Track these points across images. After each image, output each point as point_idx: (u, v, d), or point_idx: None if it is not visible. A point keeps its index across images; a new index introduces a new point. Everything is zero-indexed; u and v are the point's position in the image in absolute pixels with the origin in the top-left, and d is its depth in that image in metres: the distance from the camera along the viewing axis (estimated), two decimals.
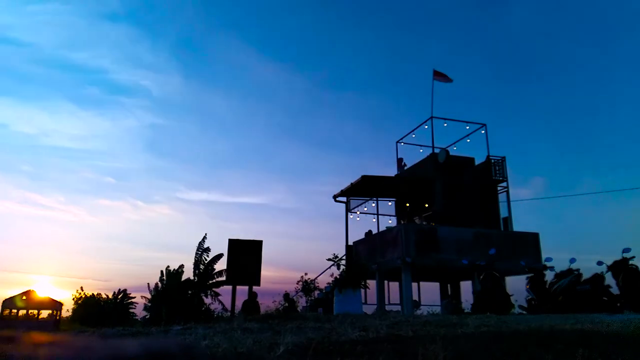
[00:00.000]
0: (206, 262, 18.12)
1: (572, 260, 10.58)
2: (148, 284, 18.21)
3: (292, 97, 46.71)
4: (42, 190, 44.16)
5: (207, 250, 18.13)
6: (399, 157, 19.70)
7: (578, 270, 10.38)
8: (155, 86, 44.04)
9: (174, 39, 44.34)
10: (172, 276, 17.62)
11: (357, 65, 48.50)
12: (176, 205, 46.90)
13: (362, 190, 18.08)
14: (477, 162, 17.75)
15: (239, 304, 14.13)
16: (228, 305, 16.86)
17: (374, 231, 18.12)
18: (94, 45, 41.45)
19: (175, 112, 46.72)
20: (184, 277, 17.99)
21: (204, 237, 18.29)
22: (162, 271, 17.86)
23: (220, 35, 44.17)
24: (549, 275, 10.90)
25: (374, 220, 19.97)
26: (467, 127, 18.17)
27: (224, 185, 49.08)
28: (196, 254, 18.18)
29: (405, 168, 19.31)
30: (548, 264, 11.14)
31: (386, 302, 16.67)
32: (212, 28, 44.17)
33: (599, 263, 10.04)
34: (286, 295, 15.96)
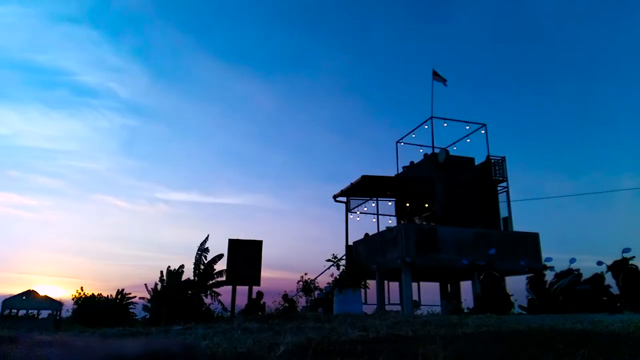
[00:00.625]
0: (206, 262, 18.13)
1: (572, 260, 10.57)
2: (146, 284, 18.19)
3: (277, 101, 46.85)
4: (25, 192, 44.17)
5: (207, 250, 18.13)
6: (403, 159, 19.77)
7: (578, 270, 10.37)
8: (122, 88, 44.16)
9: (136, 41, 44.41)
10: (172, 276, 17.63)
11: (356, 64, 48.50)
12: (160, 206, 46.98)
13: (362, 190, 18.08)
14: (477, 162, 17.75)
15: (239, 303, 14.12)
16: (228, 304, 16.87)
17: (374, 231, 18.13)
18: (57, 47, 41.38)
19: (144, 114, 46.90)
20: (183, 278, 18.02)
21: (206, 238, 18.30)
22: (161, 272, 17.86)
23: (182, 39, 44.26)
24: (549, 275, 10.89)
25: (374, 220, 19.99)
26: (467, 127, 18.19)
27: (207, 187, 49.18)
28: (196, 254, 18.18)
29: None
30: (548, 264, 11.12)
31: (386, 302, 16.67)
32: (175, 31, 44.26)
33: (599, 263, 10.03)
34: (285, 296, 15.96)
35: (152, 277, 18.04)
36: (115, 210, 45.91)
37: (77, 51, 41.49)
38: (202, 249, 18.12)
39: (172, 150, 48.12)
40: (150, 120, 46.69)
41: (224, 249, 18.03)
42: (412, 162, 18.92)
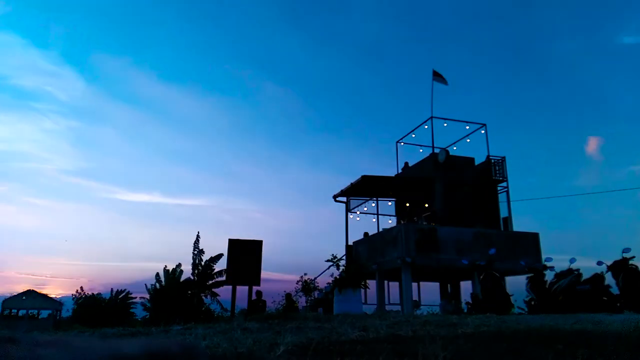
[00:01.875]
0: (203, 262, 18.15)
1: (572, 260, 10.56)
2: (146, 284, 18.22)
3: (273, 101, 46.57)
4: None
5: (201, 252, 18.13)
6: (403, 159, 19.69)
7: (578, 270, 10.36)
8: (59, 91, 44.05)
9: (64, 46, 44.17)
10: (170, 276, 17.63)
11: (357, 61, 48.52)
12: (142, 207, 46.70)
13: (362, 190, 18.07)
14: (477, 162, 17.74)
15: (239, 303, 14.12)
16: (226, 305, 16.87)
17: (374, 231, 18.13)
18: None
19: (86, 117, 46.82)
20: (181, 278, 18.03)
21: (197, 238, 18.27)
22: (157, 273, 17.88)
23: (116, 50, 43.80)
24: (549, 275, 10.88)
25: (374, 220, 19.99)
26: (467, 127, 18.18)
27: (168, 186, 49.02)
28: (192, 254, 18.19)
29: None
30: (548, 264, 11.11)
31: (386, 302, 16.66)
32: (104, 39, 43.85)
33: (599, 263, 10.02)
34: (288, 296, 15.94)
35: (143, 278, 18.12)
36: (90, 208, 45.87)
37: (6, 56, 41.19)
38: (198, 249, 18.14)
39: (128, 153, 48.07)
40: (95, 123, 46.65)
41: (217, 250, 17.97)
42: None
